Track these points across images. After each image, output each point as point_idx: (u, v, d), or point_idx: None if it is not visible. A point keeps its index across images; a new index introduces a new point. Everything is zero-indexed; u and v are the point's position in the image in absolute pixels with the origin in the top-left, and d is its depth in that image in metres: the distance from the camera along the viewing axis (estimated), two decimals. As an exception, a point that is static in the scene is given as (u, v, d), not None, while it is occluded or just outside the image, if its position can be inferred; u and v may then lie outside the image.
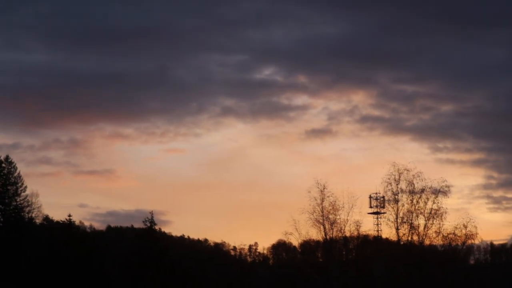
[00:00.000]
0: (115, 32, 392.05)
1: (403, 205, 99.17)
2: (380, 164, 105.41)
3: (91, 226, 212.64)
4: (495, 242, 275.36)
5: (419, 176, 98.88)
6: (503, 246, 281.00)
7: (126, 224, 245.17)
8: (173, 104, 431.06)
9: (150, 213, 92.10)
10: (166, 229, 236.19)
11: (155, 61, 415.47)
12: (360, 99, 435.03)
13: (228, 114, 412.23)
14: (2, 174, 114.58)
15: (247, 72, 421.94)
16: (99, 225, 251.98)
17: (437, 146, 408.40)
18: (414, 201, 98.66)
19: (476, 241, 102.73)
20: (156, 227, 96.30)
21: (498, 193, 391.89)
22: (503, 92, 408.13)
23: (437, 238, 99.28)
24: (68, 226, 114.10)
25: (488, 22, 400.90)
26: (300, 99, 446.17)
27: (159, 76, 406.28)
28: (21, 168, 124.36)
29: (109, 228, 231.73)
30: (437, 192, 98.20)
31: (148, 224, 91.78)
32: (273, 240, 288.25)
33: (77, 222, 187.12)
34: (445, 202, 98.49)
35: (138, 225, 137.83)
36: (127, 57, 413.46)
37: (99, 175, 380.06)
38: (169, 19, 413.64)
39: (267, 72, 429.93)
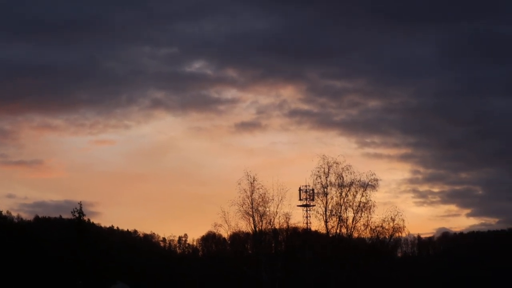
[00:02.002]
0: (45, 24, 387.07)
1: (332, 198, 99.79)
2: (309, 158, 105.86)
3: (18, 217, 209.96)
4: (422, 236, 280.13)
5: (348, 169, 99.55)
6: (430, 239, 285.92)
7: (54, 215, 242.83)
8: (103, 96, 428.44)
9: (79, 203, 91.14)
10: (95, 220, 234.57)
11: (85, 53, 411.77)
12: (289, 93, 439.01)
13: (158, 107, 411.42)
14: None
15: (177, 65, 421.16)
16: (27, 216, 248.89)
17: (364, 141, 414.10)
18: (343, 194, 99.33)
19: (404, 234, 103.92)
20: (85, 218, 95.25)
21: (424, 188, 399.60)
22: (430, 88, 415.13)
23: (365, 231, 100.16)
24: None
25: (415, 20, 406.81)
26: (230, 93, 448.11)
27: (89, 68, 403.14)
28: None
29: (37, 218, 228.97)
30: (365, 185, 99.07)
31: (77, 215, 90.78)
32: (202, 232, 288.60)
33: (4, 213, 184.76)
34: (373, 196, 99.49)
35: (67, 216, 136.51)
36: (57, 48, 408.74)
37: (27, 166, 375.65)
38: (100, 11, 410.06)
39: (197, 66, 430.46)
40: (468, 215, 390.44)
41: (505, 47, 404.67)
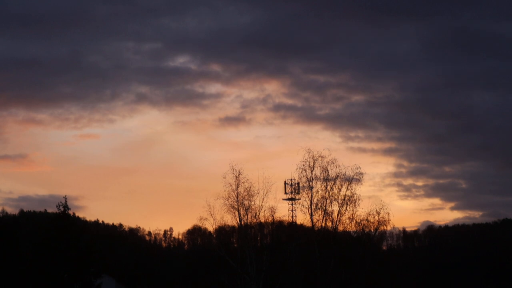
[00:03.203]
0: (29, 17, 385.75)
1: (317, 192, 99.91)
2: (294, 152, 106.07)
3: (3, 211, 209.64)
4: (407, 229, 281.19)
5: (333, 163, 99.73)
6: (415, 232, 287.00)
7: (39, 209, 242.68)
8: (87, 91, 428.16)
9: (63, 197, 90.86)
10: (80, 214, 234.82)
11: (69, 47, 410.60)
12: (273, 88, 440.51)
13: (142, 101, 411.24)
14: None
15: (161, 60, 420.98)
16: (12, 210, 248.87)
17: (349, 135, 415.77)
18: (328, 187, 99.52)
19: (389, 228, 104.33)
20: (70, 212, 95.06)
21: (408, 181, 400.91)
22: (413, 82, 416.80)
23: (350, 224, 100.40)
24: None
25: (398, 14, 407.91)
26: (214, 88, 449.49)
27: (73, 62, 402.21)
28: None
29: (22, 212, 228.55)
30: (350, 179, 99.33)
31: (62, 209, 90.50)
32: (188, 226, 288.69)
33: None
34: (358, 189, 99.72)
35: (52, 210, 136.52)
36: (41, 42, 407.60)
37: (11, 160, 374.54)
38: (83, 5, 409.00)
39: (181, 60, 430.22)
40: (452, 209, 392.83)
41: (488, 41, 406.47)
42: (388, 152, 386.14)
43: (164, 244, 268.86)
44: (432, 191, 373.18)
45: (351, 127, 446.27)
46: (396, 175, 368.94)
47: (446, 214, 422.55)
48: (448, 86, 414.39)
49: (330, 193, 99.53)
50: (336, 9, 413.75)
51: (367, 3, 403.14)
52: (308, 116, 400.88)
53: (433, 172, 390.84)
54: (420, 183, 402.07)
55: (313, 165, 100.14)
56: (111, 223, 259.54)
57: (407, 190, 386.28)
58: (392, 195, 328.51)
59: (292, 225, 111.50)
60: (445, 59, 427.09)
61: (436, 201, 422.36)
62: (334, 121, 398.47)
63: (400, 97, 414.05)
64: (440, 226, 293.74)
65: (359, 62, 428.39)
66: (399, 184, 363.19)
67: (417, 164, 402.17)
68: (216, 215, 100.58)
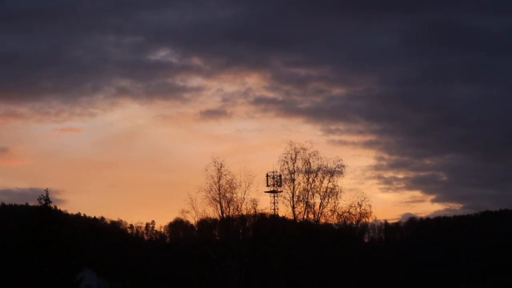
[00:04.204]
0: (10, 11, 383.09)
1: (299, 184, 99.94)
2: (276, 145, 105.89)
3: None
4: (389, 221, 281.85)
5: (315, 155, 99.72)
6: (396, 224, 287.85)
7: (20, 202, 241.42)
8: (68, 84, 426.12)
9: (45, 191, 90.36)
10: (62, 208, 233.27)
11: (50, 41, 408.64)
12: (254, 81, 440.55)
13: (123, 95, 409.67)
14: None
15: (142, 53, 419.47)
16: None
17: (329, 128, 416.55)
18: (310, 180, 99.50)
19: (370, 220, 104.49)
20: (52, 205, 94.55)
21: (389, 174, 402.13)
22: (394, 76, 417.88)
23: (332, 217, 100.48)
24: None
25: (378, 8, 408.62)
26: (195, 81, 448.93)
27: (54, 56, 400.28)
28: None
29: (3, 206, 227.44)
30: (332, 171, 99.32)
31: (43, 202, 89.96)
32: (170, 219, 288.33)
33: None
34: (340, 182, 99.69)
35: (33, 203, 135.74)
36: (21, 36, 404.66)
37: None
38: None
39: (162, 54, 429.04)
40: (433, 201, 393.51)
41: (468, 35, 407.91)
42: (368, 145, 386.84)
43: (146, 237, 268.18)
44: (412, 184, 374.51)
45: (332, 120, 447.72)
46: (377, 167, 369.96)
47: (427, 207, 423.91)
48: (428, 79, 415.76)
49: (312, 186, 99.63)
50: (317, 3, 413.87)
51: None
52: (289, 109, 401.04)
53: (414, 165, 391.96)
54: (400, 176, 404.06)
55: (295, 158, 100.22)
56: (92, 216, 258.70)
57: (388, 183, 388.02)
58: (373, 188, 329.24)
59: (274, 217, 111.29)
60: (425, 53, 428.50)
61: (417, 193, 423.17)
62: (315, 114, 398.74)
63: (381, 90, 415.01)
64: (421, 219, 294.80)
65: (340, 56, 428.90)
66: (380, 177, 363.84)
67: (398, 157, 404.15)
68: (198, 208, 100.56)
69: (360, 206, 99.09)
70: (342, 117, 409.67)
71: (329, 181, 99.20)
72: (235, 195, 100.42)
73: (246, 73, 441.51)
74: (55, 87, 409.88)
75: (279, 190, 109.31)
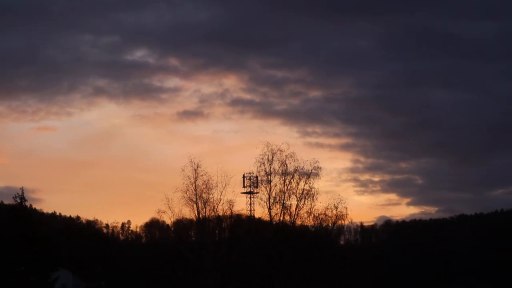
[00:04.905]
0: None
1: (275, 185, 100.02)
2: (252, 146, 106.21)
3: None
4: (365, 224, 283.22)
5: (291, 157, 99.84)
6: (372, 227, 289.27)
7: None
8: (45, 83, 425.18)
9: (20, 189, 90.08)
10: (37, 207, 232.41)
11: (26, 40, 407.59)
12: (232, 83, 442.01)
13: (100, 94, 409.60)
14: None
15: (119, 53, 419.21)
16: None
17: (306, 130, 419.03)
18: (287, 181, 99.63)
19: (346, 222, 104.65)
20: (27, 204, 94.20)
21: (365, 177, 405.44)
22: (370, 79, 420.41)
23: (308, 218, 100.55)
24: None
25: (355, 12, 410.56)
26: (172, 82, 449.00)
27: (30, 55, 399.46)
28: None
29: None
30: (309, 173, 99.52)
31: (19, 200, 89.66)
32: (146, 219, 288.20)
33: None
34: (316, 184, 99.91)
35: (8, 202, 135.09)
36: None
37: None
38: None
39: (139, 54, 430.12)
40: (408, 204, 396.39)
41: (444, 40, 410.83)
42: (345, 147, 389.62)
43: (121, 237, 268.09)
44: (388, 187, 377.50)
45: (308, 123, 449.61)
46: (352, 170, 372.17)
47: (402, 210, 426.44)
48: (404, 83, 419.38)
49: (289, 187, 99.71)
50: (294, 6, 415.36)
51: (324, 0, 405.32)
52: (266, 111, 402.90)
53: (390, 168, 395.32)
54: (376, 179, 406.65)
55: (272, 159, 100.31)
56: (68, 216, 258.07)
57: (364, 186, 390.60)
58: (349, 190, 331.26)
59: (251, 218, 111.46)
60: (401, 57, 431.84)
61: (393, 196, 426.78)
62: (292, 116, 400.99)
63: (357, 93, 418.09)
64: (397, 221, 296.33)
65: (317, 59, 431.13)
66: (355, 180, 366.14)
67: (374, 159, 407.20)
68: (175, 208, 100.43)
69: (336, 208, 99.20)
70: (318, 119, 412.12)
71: (306, 183, 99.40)
72: (211, 196, 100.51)
73: (223, 74, 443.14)
74: (31, 86, 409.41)
75: (255, 191, 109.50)
